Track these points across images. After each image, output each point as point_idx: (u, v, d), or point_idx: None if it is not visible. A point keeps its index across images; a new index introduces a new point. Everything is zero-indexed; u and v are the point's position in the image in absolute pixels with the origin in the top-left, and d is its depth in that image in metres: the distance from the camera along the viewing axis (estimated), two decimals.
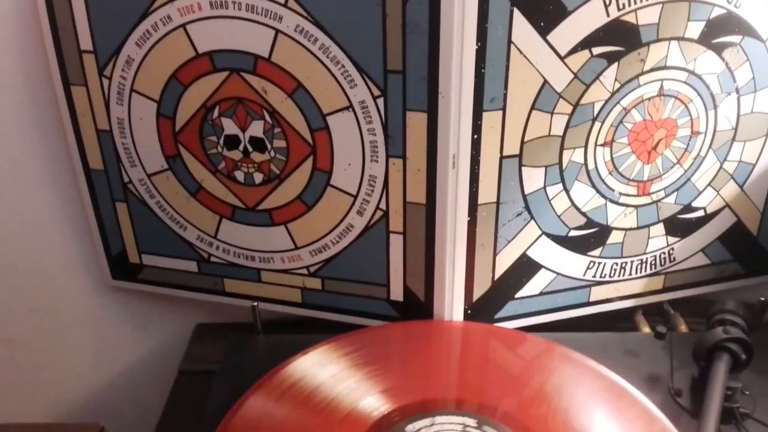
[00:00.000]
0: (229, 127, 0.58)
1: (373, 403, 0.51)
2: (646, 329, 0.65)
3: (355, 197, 0.58)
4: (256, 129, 0.58)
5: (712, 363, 0.52)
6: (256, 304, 0.61)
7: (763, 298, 0.63)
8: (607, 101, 0.57)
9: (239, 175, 0.60)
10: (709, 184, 0.63)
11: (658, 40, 0.55)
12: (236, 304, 0.67)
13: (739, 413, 0.51)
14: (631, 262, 0.65)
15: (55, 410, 0.76)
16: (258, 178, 0.60)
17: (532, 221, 0.60)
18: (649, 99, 0.58)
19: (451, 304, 0.60)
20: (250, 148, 0.59)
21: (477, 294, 0.61)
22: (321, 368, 0.55)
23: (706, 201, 0.64)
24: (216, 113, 0.58)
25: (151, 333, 0.75)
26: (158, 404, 0.62)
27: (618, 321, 0.68)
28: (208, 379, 0.58)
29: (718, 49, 0.57)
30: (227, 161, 0.60)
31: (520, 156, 0.56)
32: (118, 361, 0.76)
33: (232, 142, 0.59)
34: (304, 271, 0.64)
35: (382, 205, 0.58)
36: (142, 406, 0.73)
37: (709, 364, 0.52)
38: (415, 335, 0.60)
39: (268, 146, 0.58)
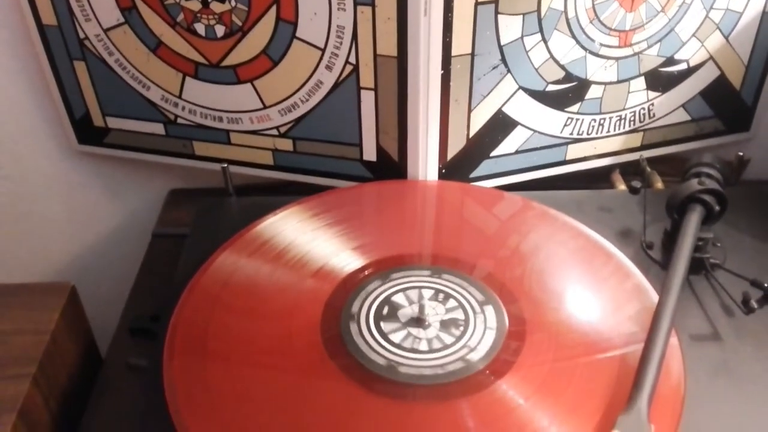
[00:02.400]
0: None
1: (345, 259, 0.51)
2: (622, 187, 0.65)
3: (323, 50, 0.55)
4: None
5: (685, 215, 0.52)
6: (225, 165, 0.59)
7: (741, 153, 0.62)
8: None
9: (200, 28, 0.57)
10: (693, 35, 0.60)
11: None
12: (208, 168, 0.66)
13: (710, 264, 0.52)
14: (610, 118, 0.63)
15: (28, 277, 0.77)
16: (220, 30, 0.57)
17: (509, 75, 0.57)
18: None
19: (425, 164, 0.59)
20: None
21: (451, 153, 0.60)
22: (293, 227, 0.54)
23: (690, 53, 0.62)
24: None
25: (124, 200, 0.74)
26: (133, 268, 0.62)
27: (595, 181, 0.67)
28: (183, 242, 0.57)
29: None
30: (186, 12, 0.56)
31: (496, 2, 0.53)
32: (92, 228, 0.75)
33: None
34: (274, 132, 0.62)
35: (352, 59, 0.55)
36: (117, 271, 0.73)
37: (681, 217, 0.52)
38: (388, 195, 0.59)
39: None
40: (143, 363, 0.48)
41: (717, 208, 0.52)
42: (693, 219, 0.51)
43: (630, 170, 0.67)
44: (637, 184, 0.56)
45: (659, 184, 0.64)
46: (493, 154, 0.61)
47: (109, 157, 0.70)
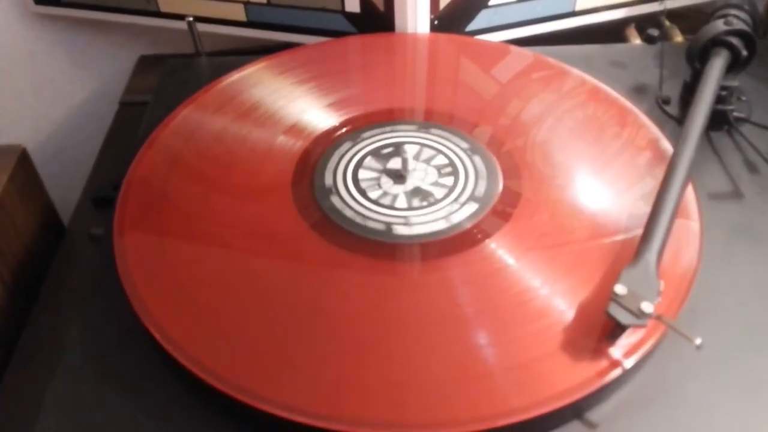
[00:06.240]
0: None
1: (323, 114, 0.46)
2: (637, 41, 0.58)
3: None
4: None
5: (708, 60, 0.45)
6: (191, 18, 0.53)
7: None
8: None
9: None
10: None
11: None
12: (176, 28, 0.60)
13: (733, 117, 0.46)
14: None
15: None
16: None
17: None
18: None
19: (415, 14, 0.52)
20: None
21: (444, 0, 0.53)
22: (268, 82, 0.48)
23: None
24: None
25: (92, 68, 0.68)
26: (100, 136, 0.57)
27: (607, 38, 0.60)
28: None
29: None
30: None
31: None
32: (59, 98, 0.70)
33: None
34: None
35: None
36: (88, 143, 0.68)
37: (703, 65, 0.46)
38: (374, 49, 0.53)
39: None
40: (101, 232, 0.43)
41: (744, 53, 0.46)
42: (717, 64, 0.44)
43: (646, 27, 0.60)
44: (654, 32, 0.50)
45: (678, 38, 0.57)
46: (492, 2, 0.54)
47: (72, 21, 0.63)
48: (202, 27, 0.55)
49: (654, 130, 0.44)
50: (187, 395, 0.32)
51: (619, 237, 0.37)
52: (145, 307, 0.34)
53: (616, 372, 0.30)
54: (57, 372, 0.34)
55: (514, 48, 0.52)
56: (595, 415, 0.31)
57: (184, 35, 0.57)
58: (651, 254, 0.32)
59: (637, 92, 0.50)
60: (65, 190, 0.57)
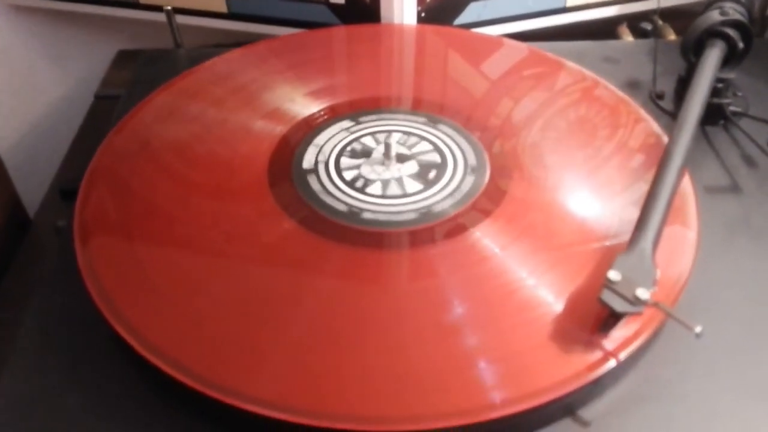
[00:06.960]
0: None
1: (305, 101, 0.44)
2: (630, 38, 0.57)
3: None
4: None
5: (704, 53, 0.44)
6: (169, 8, 0.51)
7: None
8: None
9: None
10: None
11: None
12: (156, 21, 0.58)
13: (730, 111, 0.44)
14: None
15: None
16: None
17: None
18: None
19: (401, 6, 0.51)
20: None
21: None
22: (246, 69, 0.46)
23: None
24: None
25: (69, 64, 0.66)
26: (73, 130, 0.55)
27: (599, 36, 0.59)
28: None
29: None
30: None
31: None
32: (35, 95, 0.67)
33: None
34: None
35: None
36: (60, 135, 0.66)
37: (699, 58, 0.44)
38: (359, 39, 0.51)
39: None
40: (64, 224, 0.41)
41: (741, 44, 0.44)
42: (713, 54, 0.43)
43: (639, 26, 0.59)
44: (647, 26, 0.49)
45: (672, 37, 0.56)
46: None
47: (48, 14, 0.61)
48: (182, 19, 0.54)
49: (654, 125, 0.42)
50: (160, 400, 0.30)
51: (615, 227, 0.35)
52: (106, 298, 0.32)
53: (610, 365, 0.28)
54: (7, 369, 0.31)
55: (506, 40, 0.50)
56: (587, 412, 0.29)
57: (163, 29, 0.55)
58: (646, 242, 0.30)
59: (631, 88, 0.48)
60: (39, 185, 0.54)
